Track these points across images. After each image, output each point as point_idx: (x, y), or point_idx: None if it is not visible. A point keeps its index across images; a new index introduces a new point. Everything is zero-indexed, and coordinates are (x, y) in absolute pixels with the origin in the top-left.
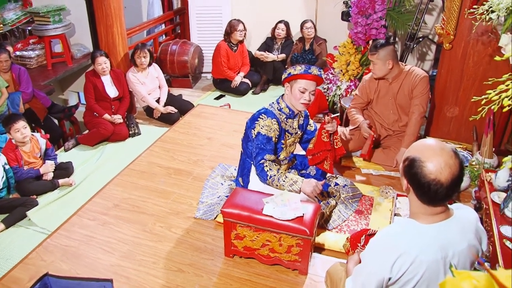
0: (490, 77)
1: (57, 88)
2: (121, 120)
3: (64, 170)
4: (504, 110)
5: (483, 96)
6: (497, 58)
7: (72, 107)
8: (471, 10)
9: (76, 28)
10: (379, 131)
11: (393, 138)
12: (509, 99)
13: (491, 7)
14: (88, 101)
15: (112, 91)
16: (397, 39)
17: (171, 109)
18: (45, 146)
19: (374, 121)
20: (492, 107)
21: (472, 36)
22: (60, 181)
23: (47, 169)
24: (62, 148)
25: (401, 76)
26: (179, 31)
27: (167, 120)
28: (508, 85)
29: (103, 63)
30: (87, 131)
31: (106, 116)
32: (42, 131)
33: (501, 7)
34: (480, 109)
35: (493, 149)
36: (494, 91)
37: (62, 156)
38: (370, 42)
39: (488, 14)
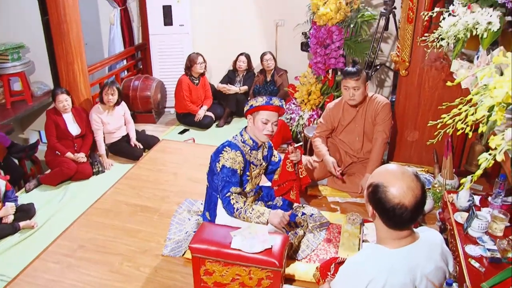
0: (446, 101)
1: (17, 127)
2: (85, 159)
3: (25, 212)
4: (458, 133)
5: (438, 121)
6: (449, 83)
7: (33, 146)
8: (423, 38)
9: (36, 65)
10: (344, 159)
11: (357, 164)
12: (462, 123)
13: (440, 35)
14: (49, 140)
15: (74, 129)
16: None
17: (138, 145)
18: (4, 188)
19: (339, 148)
20: (447, 131)
21: (426, 62)
22: (21, 223)
23: (7, 211)
24: (23, 189)
25: (366, 103)
26: (141, 67)
27: (131, 156)
28: (461, 108)
29: (64, 100)
30: (49, 170)
31: (69, 154)
32: (2, 172)
33: (450, 34)
34: (436, 133)
35: (454, 170)
36: (448, 115)
37: (23, 197)
38: (330, 71)
39: (438, 42)
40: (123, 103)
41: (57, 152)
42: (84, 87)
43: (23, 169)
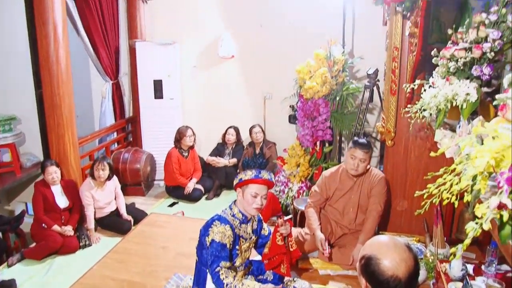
0: (432, 169)
1: (3, 198)
2: (72, 232)
3: None
4: (444, 203)
5: (424, 191)
6: (432, 154)
7: (18, 218)
8: (406, 109)
9: (27, 137)
10: (335, 230)
11: (348, 236)
12: (447, 192)
13: (422, 106)
14: (36, 212)
15: (62, 201)
16: (343, 139)
17: (129, 218)
18: None
19: (330, 220)
20: (434, 201)
21: (411, 132)
22: None
23: None
24: (5, 263)
25: (364, 175)
26: (131, 139)
27: (120, 229)
28: (445, 178)
29: (53, 172)
30: (34, 244)
31: (56, 227)
32: None
33: (431, 105)
34: (423, 203)
35: (445, 239)
36: (433, 185)
37: (5, 272)
38: (318, 143)
39: (421, 113)
40: (114, 178)
41: (43, 225)
42: (74, 159)
43: (6, 243)
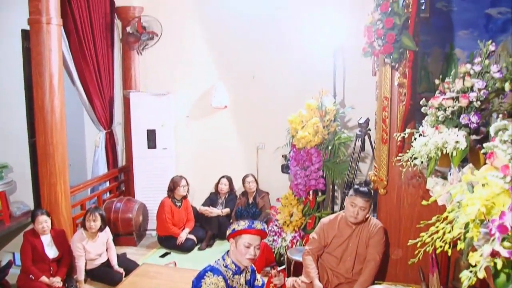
0: (426, 217)
1: None
2: (60, 284)
3: None
4: (438, 251)
5: (417, 239)
6: (424, 202)
7: (4, 269)
8: (397, 157)
9: (18, 185)
10: (331, 279)
11: (344, 286)
12: (440, 241)
13: (413, 154)
14: (24, 263)
15: (51, 251)
16: (336, 187)
17: (120, 270)
18: None
19: (326, 268)
20: (427, 249)
21: (403, 180)
22: None
23: None
24: None
25: (363, 223)
26: (124, 189)
27: (110, 281)
28: (438, 226)
29: (43, 222)
30: None
31: (43, 278)
32: None
33: (422, 154)
34: (417, 252)
35: (441, 287)
36: (426, 233)
37: None
38: (311, 192)
39: (412, 161)
40: (107, 229)
41: (31, 276)
42: (65, 208)
43: None
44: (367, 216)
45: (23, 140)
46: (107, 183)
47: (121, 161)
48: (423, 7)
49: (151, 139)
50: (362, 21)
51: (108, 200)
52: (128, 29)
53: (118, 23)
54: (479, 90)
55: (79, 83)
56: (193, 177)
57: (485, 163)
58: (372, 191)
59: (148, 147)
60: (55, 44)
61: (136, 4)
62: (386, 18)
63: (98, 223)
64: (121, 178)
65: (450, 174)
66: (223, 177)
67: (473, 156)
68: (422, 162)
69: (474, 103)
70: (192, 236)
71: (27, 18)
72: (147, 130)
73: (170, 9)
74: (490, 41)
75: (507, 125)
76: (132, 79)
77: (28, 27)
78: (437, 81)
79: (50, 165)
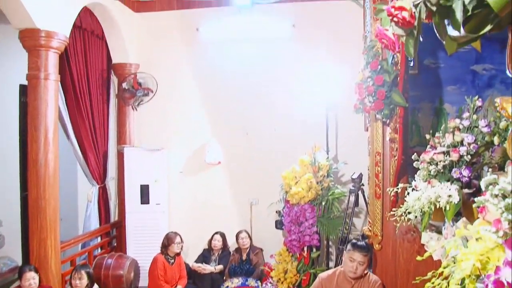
0: (422, 272)
1: None
2: None
3: None
4: None
5: None
6: (418, 258)
7: None
8: (391, 212)
9: (7, 240)
10: None
11: None
12: None
13: (407, 209)
14: None
15: None
16: (330, 243)
17: None
18: None
19: None
20: None
21: (398, 235)
22: None
23: None
24: None
25: (362, 278)
26: (115, 244)
27: None
28: (434, 282)
29: (31, 278)
30: None
31: None
32: None
33: (416, 208)
34: None
35: None
36: None
37: None
38: (305, 249)
39: (406, 216)
40: (95, 287)
41: None
42: (55, 264)
43: None
44: (366, 272)
45: (15, 194)
46: (99, 239)
47: (114, 216)
48: (411, 64)
49: (145, 194)
50: (353, 78)
51: (99, 256)
52: (124, 85)
53: (114, 79)
54: (469, 144)
55: (74, 137)
56: (186, 233)
57: (478, 217)
58: (370, 245)
59: (141, 203)
60: (52, 99)
61: (133, 61)
62: (376, 75)
63: (84, 281)
64: (113, 233)
65: (445, 228)
66: (216, 233)
67: (466, 209)
68: (416, 217)
69: (465, 157)
70: None
71: (26, 74)
72: (141, 185)
73: (165, 66)
74: (476, 96)
75: (497, 179)
76: (126, 134)
77: (26, 83)
78: (427, 136)
79: (41, 220)
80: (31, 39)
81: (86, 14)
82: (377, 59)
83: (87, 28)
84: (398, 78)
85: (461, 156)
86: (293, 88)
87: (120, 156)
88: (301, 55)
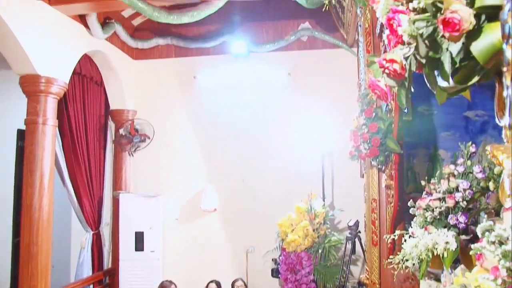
0: None
1: None
2: None
3: None
4: None
5: None
6: None
7: None
8: (389, 260)
9: None
10: None
11: None
12: None
13: (404, 256)
14: None
15: None
16: None
17: None
18: None
19: None
20: None
21: (396, 283)
22: None
23: None
24: None
25: None
26: None
27: None
28: None
29: None
30: None
31: None
32: None
33: (413, 255)
34: None
35: None
36: None
37: None
38: None
39: (404, 263)
40: None
41: None
42: None
43: None
44: None
45: (7, 240)
46: (91, 287)
47: (107, 263)
48: (405, 111)
49: (139, 241)
50: (348, 125)
51: None
52: (121, 131)
53: (111, 124)
54: (464, 190)
55: (69, 182)
56: (180, 281)
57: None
58: None
59: (136, 250)
60: (49, 144)
61: (130, 107)
62: (371, 123)
63: None
64: (106, 281)
65: (443, 276)
66: (211, 281)
67: (464, 256)
68: (414, 264)
69: (461, 203)
70: None
71: (24, 118)
72: (135, 232)
73: (162, 113)
74: (470, 142)
75: (493, 226)
76: (122, 180)
77: (24, 127)
78: (423, 182)
79: (32, 267)
80: (31, 85)
81: (86, 61)
82: (371, 106)
83: (87, 74)
84: (393, 125)
85: (457, 202)
86: (289, 135)
87: (116, 202)
88: (296, 102)
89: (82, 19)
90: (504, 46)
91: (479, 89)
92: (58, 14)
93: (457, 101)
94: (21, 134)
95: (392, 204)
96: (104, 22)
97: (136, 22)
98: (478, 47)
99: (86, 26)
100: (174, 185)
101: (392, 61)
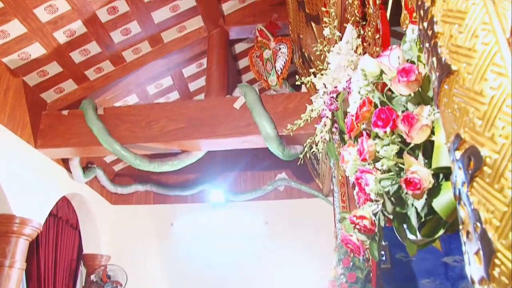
0: None
1: None
2: None
3: None
4: None
5: None
6: None
7: None
8: None
9: None
10: None
11: None
12: None
13: None
14: None
15: None
16: None
17: None
18: None
19: None
20: None
21: None
22: None
23: None
24: None
25: None
26: None
27: None
28: None
29: None
30: None
31: None
32: None
33: None
34: None
35: None
36: None
37: None
38: None
39: None
40: None
41: None
42: None
43: None
44: None
45: None
46: None
47: None
48: (383, 258)
49: None
50: (326, 275)
51: None
52: (92, 277)
53: (83, 269)
54: None
55: None
56: None
57: None
58: None
59: None
60: None
61: (104, 252)
62: (349, 272)
63: None
64: None
65: None
66: None
67: None
68: None
69: None
70: None
71: None
72: None
73: (137, 259)
74: None
75: None
76: None
77: None
78: None
79: None
80: (4, 225)
81: (63, 203)
82: (348, 256)
83: (63, 217)
84: (371, 274)
85: None
86: (268, 284)
87: None
88: (274, 251)
89: (64, 162)
90: (457, 205)
91: (454, 234)
92: (41, 157)
93: (434, 247)
94: None
95: None
96: (86, 167)
97: (117, 167)
98: (439, 203)
99: (68, 169)
100: None
101: (362, 217)
